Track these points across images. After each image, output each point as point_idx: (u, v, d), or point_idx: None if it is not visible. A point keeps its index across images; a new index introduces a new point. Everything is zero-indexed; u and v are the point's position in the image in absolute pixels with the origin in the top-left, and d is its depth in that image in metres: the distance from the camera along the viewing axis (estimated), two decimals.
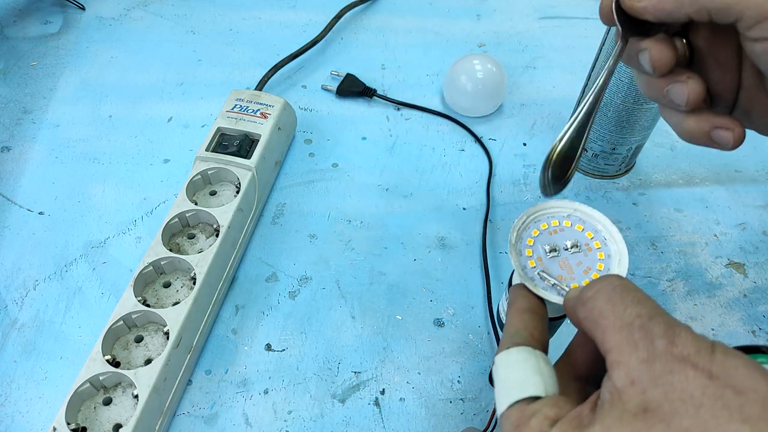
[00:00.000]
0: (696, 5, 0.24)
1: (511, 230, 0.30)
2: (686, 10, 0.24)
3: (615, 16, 0.27)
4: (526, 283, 0.28)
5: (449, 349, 0.41)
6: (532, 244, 0.30)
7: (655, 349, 0.19)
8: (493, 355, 0.41)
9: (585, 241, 0.29)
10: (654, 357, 0.19)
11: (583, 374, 0.26)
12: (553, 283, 0.28)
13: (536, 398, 0.23)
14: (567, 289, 0.28)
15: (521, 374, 0.24)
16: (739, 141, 0.28)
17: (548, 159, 0.28)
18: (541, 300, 0.28)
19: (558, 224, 0.30)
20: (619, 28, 0.27)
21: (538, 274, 0.28)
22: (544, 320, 0.27)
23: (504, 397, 0.23)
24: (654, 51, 0.27)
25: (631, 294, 0.21)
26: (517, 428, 0.22)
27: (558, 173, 0.28)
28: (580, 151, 0.29)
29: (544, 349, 0.25)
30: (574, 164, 0.29)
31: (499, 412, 0.24)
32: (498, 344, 0.41)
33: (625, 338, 0.20)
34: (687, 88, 0.27)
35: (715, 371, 0.18)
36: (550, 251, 0.29)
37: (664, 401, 0.18)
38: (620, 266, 0.28)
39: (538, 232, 0.30)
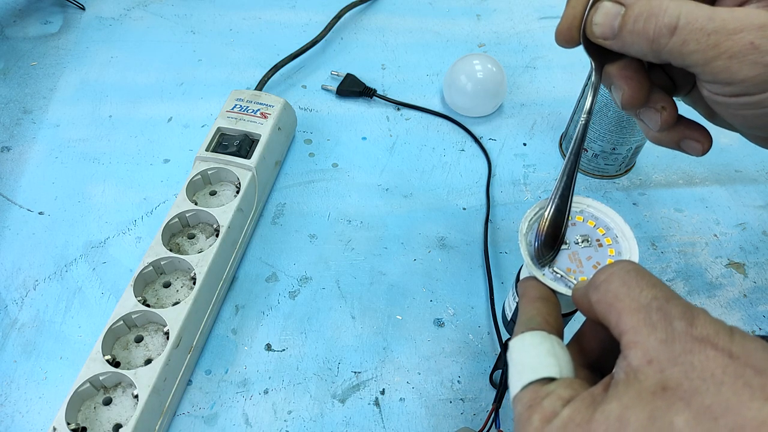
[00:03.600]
0: (659, 59, 0.25)
1: (523, 220, 0.30)
2: (649, 58, 0.25)
3: (585, 49, 0.28)
4: (534, 273, 0.28)
5: (449, 349, 0.41)
6: None
7: (674, 330, 0.19)
8: (494, 356, 0.41)
9: (596, 236, 0.29)
10: (673, 337, 0.19)
11: (591, 362, 0.26)
12: (561, 275, 0.28)
13: (550, 380, 0.22)
14: (575, 281, 0.27)
15: (535, 357, 0.23)
16: (707, 150, 0.29)
17: (539, 230, 0.29)
18: (552, 290, 0.28)
19: (570, 219, 0.30)
20: (592, 62, 0.28)
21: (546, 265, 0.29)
22: (557, 307, 0.27)
23: (517, 380, 0.23)
24: (626, 93, 0.27)
25: (646, 278, 0.21)
26: (530, 409, 0.21)
27: (549, 241, 0.29)
28: (567, 216, 0.29)
29: (559, 335, 0.25)
30: (563, 230, 0.29)
31: (512, 395, 0.23)
32: (500, 344, 0.41)
33: (643, 319, 0.20)
34: (660, 118, 0.28)
35: (735, 351, 0.18)
36: None
37: (683, 379, 0.18)
38: None
39: None
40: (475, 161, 0.53)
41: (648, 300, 0.20)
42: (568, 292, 0.27)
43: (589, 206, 0.30)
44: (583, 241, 0.29)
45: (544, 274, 0.28)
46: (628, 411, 0.18)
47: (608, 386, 0.20)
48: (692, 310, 0.20)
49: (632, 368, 0.19)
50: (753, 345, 0.18)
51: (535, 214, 0.30)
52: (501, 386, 0.36)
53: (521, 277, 0.30)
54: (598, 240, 0.29)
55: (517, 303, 0.30)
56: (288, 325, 0.42)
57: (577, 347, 0.26)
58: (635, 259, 0.28)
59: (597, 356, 0.26)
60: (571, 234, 0.29)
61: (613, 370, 0.20)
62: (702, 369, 0.18)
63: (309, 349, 0.41)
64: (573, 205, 0.30)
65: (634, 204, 0.50)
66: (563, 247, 0.29)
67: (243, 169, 0.46)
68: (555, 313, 0.26)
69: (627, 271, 0.22)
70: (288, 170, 0.52)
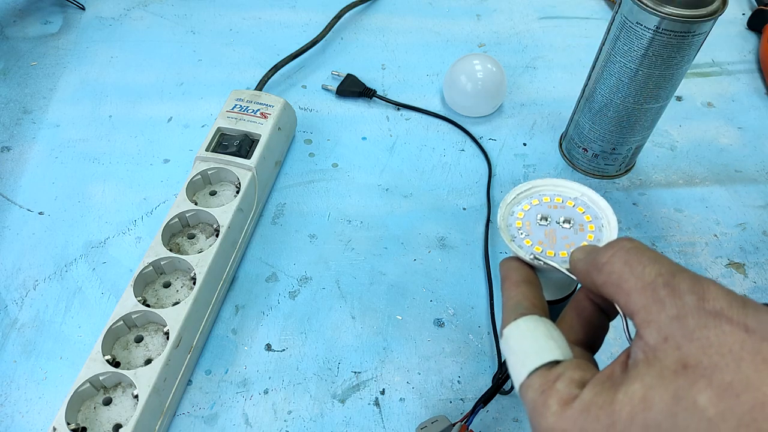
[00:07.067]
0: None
1: (512, 191, 0.30)
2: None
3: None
4: (504, 237, 0.28)
5: (449, 349, 0.41)
6: (527, 209, 0.30)
7: (684, 305, 0.19)
8: (494, 356, 0.41)
9: (581, 222, 0.29)
10: (685, 313, 0.19)
11: (581, 340, 0.26)
12: (531, 243, 0.28)
13: (555, 363, 0.22)
14: (543, 258, 0.27)
15: (534, 341, 0.23)
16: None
17: None
18: (531, 268, 0.28)
19: (561, 201, 0.30)
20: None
21: (520, 234, 0.29)
22: (539, 289, 0.27)
23: (521, 367, 0.23)
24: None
25: (647, 253, 0.21)
26: (543, 393, 0.21)
27: None
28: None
29: (547, 317, 0.25)
30: None
31: (517, 383, 0.23)
32: (498, 348, 0.41)
33: (651, 297, 0.20)
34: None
35: (751, 325, 0.18)
36: (541, 219, 0.29)
37: (702, 356, 0.18)
38: None
39: (537, 202, 0.30)
40: (475, 161, 0.53)
41: (652, 277, 0.20)
42: (528, 258, 0.27)
43: (584, 194, 0.30)
44: (565, 222, 0.29)
45: (512, 240, 0.28)
46: (652, 391, 0.18)
47: (626, 366, 0.20)
48: (701, 282, 0.19)
49: (650, 347, 0.19)
50: (767, 316, 0.18)
51: (526, 190, 0.30)
52: (493, 386, 0.36)
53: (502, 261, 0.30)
54: (581, 225, 0.29)
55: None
56: (288, 325, 0.42)
57: (566, 326, 0.26)
58: (613, 217, 0.28)
59: (585, 333, 0.26)
60: (557, 214, 0.30)
61: (630, 350, 0.20)
62: (719, 344, 0.18)
63: (309, 349, 0.41)
64: (568, 190, 0.31)
65: (634, 204, 0.50)
66: (543, 223, 0.29)
67: (243, 169, 0.46)
68: (540, 295, 0.26)
69: (627, 250, 0.22)
70: (288, 170, 0.52)
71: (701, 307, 0.19)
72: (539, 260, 0.27)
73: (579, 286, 0.26)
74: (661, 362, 0.19)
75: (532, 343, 0.23)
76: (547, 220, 0.29)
